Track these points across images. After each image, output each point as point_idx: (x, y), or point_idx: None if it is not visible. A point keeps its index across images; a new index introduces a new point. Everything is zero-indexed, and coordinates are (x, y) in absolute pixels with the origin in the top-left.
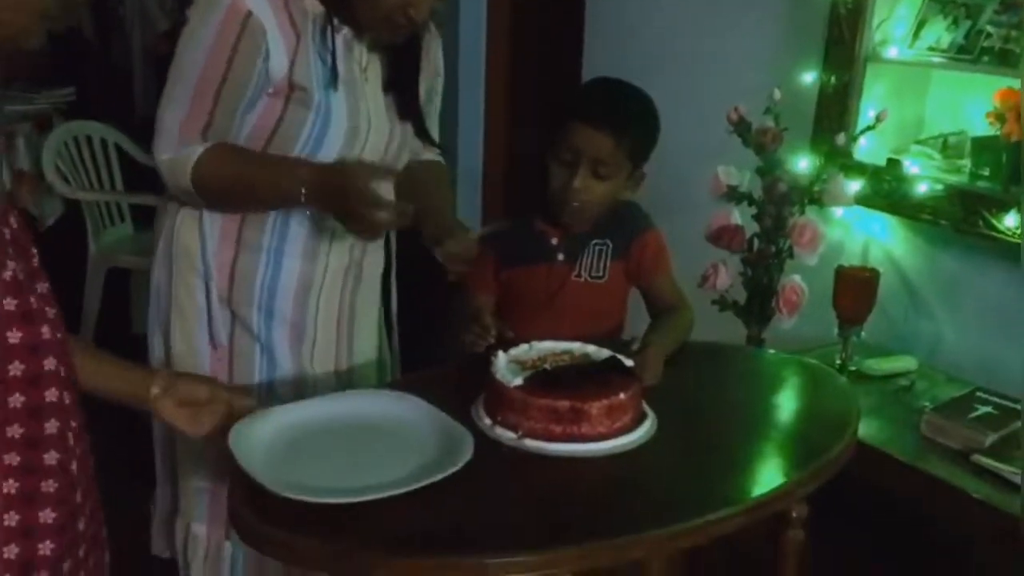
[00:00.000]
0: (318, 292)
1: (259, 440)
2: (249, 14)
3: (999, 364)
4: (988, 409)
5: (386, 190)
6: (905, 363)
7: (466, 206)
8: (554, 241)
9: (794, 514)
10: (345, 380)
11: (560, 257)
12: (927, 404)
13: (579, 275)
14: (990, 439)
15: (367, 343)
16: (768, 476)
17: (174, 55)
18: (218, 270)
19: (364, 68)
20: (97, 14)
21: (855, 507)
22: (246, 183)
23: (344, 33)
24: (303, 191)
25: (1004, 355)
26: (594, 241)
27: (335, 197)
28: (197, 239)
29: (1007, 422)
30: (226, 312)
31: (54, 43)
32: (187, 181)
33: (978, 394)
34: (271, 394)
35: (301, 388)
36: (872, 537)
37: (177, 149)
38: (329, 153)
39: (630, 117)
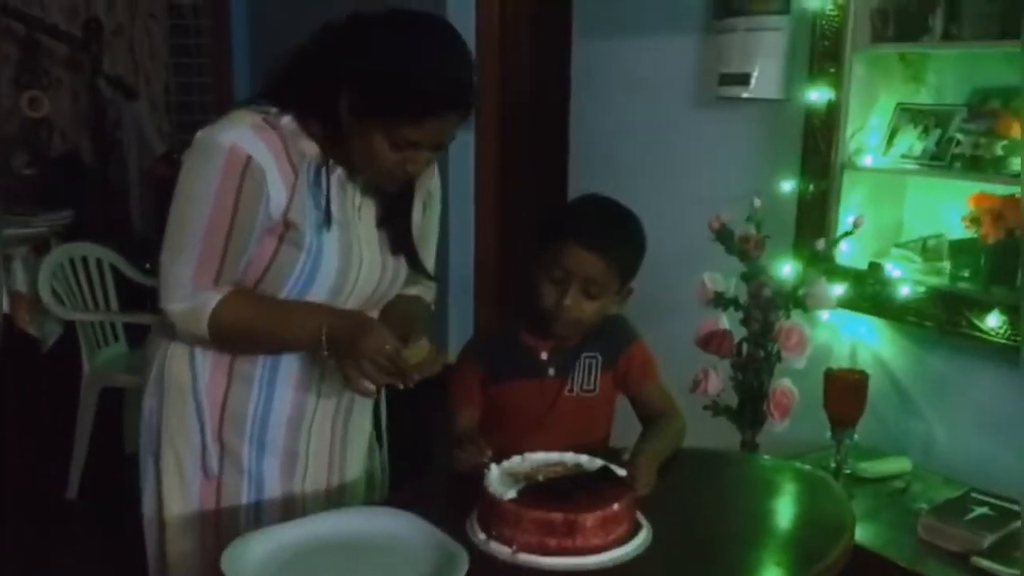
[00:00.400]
0: (310, 421)
1: (252, 562)
2: (249, 159)
3: (992, 464)
4: (984, 510)
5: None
6: (899, 464)
7: (460, 317)
8: (544, 356)
9: None
10: (336, 499)
11: (551, 372)
12: (923, 506)
13: (571, 390)
14: (988, 540)
15: (358, 462)
16: None
17: (173, 200)
18: (210, 405)
19: (358, 207)
20: (95, 138)
21: None
22: (266, 329)
23: (339, 173)
24: (324, 340)
25: (997, 455)
26: (584, 354)
27: (351, 348)
28: (188, 373)
29: (1004, 523)
30: (216, 445)
31: (53, 167)
32: (203, 329)
33: (973, 495)
34: (258, 520)
35: (290, 510)
36: None
37: (191, 299)
38: (320, 290)
39: (621, 238)
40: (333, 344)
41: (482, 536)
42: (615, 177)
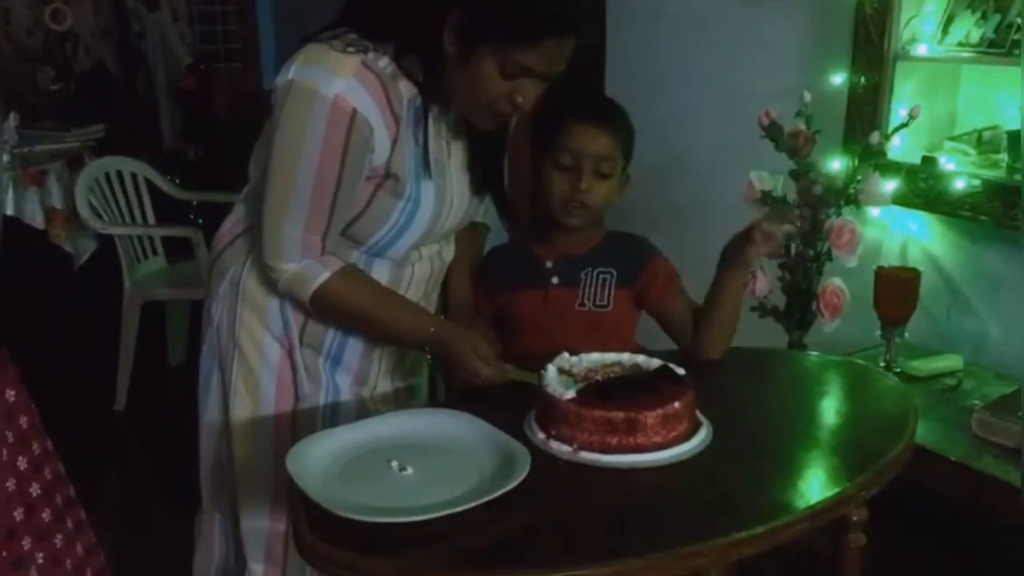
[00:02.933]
0: (381, 350)
1: (317, 463)
2: (355, 112)
3: None
4: None
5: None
6: (951, 362)
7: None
8: (548, 264)
9: (854, 518)
10: (404, 405)
11: (555, 280)
12: (976, 403)
13: (583, 304)
14: None
15: (423, 376)
16: (828, 481)
17: (273, 152)
18: (292, 325)
19: (449, 144)
20: (120, 51)
21: (909, 509)
22: (370, 320)
23: (433, 111)
24: (427, 349)
25: None
26: (598, 269)
27: (451, 359)
28: (270, 294)
29: None
30: (292, 359)
31: (80, 81)
32: (306, 298)
33: None
34: (333, 422)
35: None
36: (927, 538)
37: (301, 260)
38: (413, 235)
39: (619, 112)
40: (435, 351)
41: (541, 436)
42: (656, 74)
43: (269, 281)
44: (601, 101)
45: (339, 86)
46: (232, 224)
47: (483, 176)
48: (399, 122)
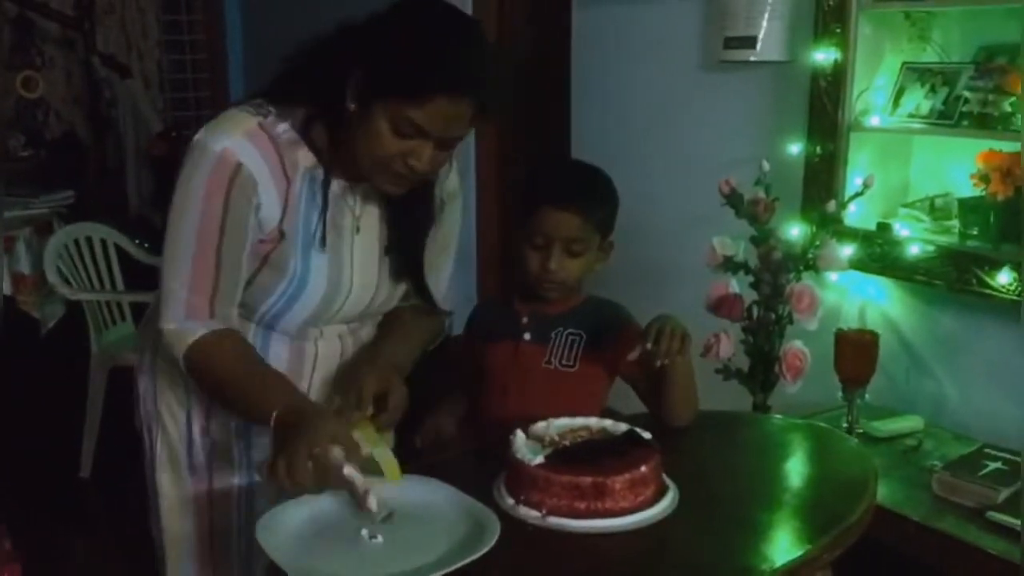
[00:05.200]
0: None
1: (289, 531)
2: (239, 166)
3: (1004, 420)
4: (998, 465)
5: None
6: (911, 423)
7: (463, 287)
8: (524, 319)
9: None
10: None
11: (527, 336)
12: (936, 463)
13: (548, 362)
14: (1003, 495)
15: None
16: (792, 543)
17: (169, 206)
18: (193, 402)
19: (357, 217)
20: (91, 118)
21: (872, 569)
22: (229, 388)
23: (337, 186)
24: (272, 424)
25: (1008, 411)
26: (568, 330)
27: (296, 433)
28: (177, 368)
29: (1018, 477)
30: (205, 438)
31: (51, 148)
32: (179, 358)
33: (986, 450)
34: (250, 505)
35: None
36: None
37: (182, 321)
38: (303, 311)
39: (592, 192)
40: (279, 430)
41: (510, 501)
42: (618, 144)
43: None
44: (571, 182)
45: (226, 141)
46: (154, 297)
47: (401, 263)
48: (291, 182)
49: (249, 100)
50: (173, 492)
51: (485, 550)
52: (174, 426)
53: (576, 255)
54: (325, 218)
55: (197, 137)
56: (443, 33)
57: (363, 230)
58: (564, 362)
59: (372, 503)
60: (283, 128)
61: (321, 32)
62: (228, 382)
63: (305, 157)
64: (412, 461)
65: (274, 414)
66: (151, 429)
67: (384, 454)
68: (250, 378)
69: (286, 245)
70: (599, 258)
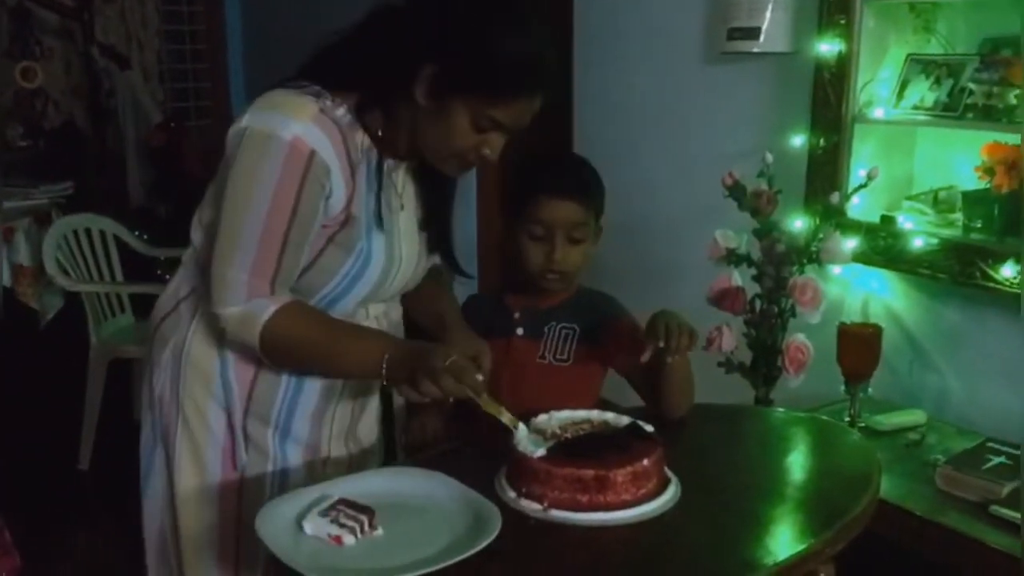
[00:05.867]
0: (333, 412)
1: (288, 523)
2: (313, 153)
3: (1007, 414)
4: (1001, 459)
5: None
6: (914, 417)
7: (463, 282)
8: (516, 315)
9: (821, 574)
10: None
11: (520, 332)
12: (939, 457)
13: (543, 357)
14: (1006, 489)
15: (373, 436)
16: (795, 537)
17: (225, 199)
18: (238, 393)
19: (400, 195)
20: (90, 108)
21: (875, 563)
22: (321, 349)
23: (387, 166)
24: (384, 367)
25: (1011, 405)
26: (561, 324)
27: (421, 365)
28: (215, 359)
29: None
30: (240, 432)
31: (50, 138)
32: (255, 338)
33: (989, 444)
34: (283, 490)
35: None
36: None
37: (246, 302)
38: (362, 290)
39: (586, 178)
40: (394, 368)
41: (512, 494)
42: (621, 136)
43: (215, 344)
44: (566, 170)
45: (296, 128)
46: (173, 290)
47: (434, 236)
48: (355, 169)
49: (295, 83)
50: (193, 485)
51: (487, 543)
52: (198, 419)
53: (577, 242)
54: (380, 200)
55: (248, 124)
56: (522, 34)
57: (406, 207)
58: (558, 357)
59: (507, 417)
60: (342, 112)
61: (369, 18)
62: (320, 344)
63: (363, 138)
64: (410, 455)
65: (385, 356)
66: (167, 423)
67: (492, 404)
68: (343, 335)
69: (354, 227)
70: (593, 243)
